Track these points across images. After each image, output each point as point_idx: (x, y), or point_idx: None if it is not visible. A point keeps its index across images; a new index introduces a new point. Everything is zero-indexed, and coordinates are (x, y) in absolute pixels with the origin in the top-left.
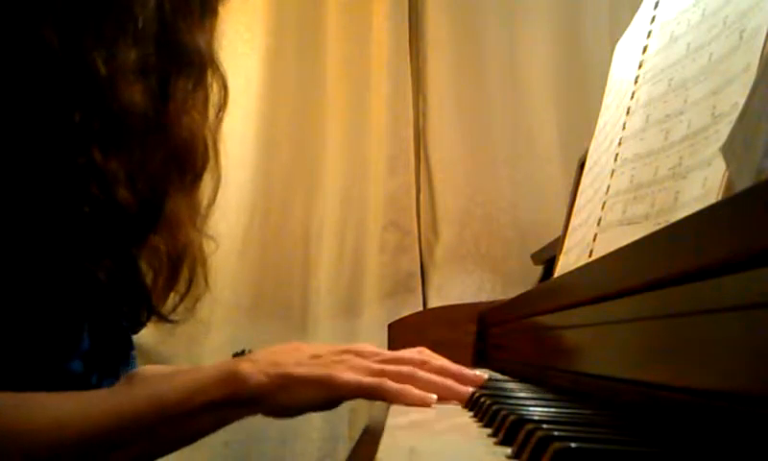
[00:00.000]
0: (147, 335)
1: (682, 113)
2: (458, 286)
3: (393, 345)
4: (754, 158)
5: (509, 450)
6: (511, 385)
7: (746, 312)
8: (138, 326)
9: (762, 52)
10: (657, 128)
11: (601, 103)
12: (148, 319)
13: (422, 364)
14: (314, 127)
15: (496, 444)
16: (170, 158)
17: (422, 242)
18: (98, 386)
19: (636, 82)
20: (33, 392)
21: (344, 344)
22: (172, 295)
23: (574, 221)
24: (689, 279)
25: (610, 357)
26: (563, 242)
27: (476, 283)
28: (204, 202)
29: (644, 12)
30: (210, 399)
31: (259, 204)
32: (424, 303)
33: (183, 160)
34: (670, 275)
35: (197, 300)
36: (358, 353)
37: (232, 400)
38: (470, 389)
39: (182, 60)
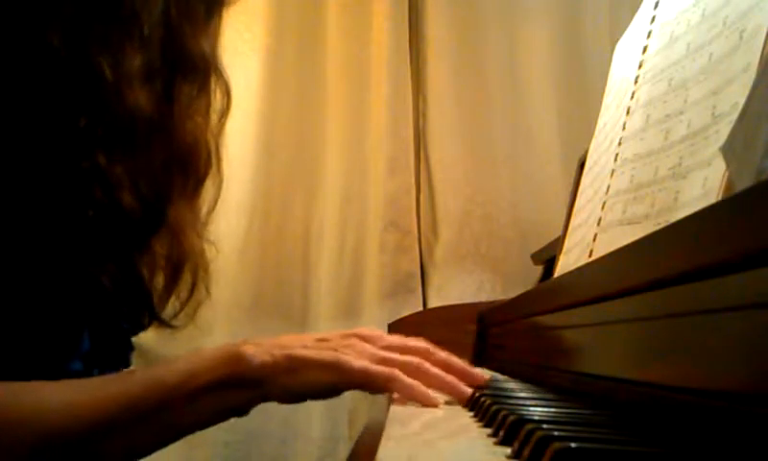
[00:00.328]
0: (147, 336)
1: (682, 113)
2: (458, 286)
3: None
4: (754, 158)
5: (509, 450)
6: (511, 385)
7: (746, 312)
8: (139, 328)
9: (762, 52)
10: (657, 128)
11: (601, 103)
12: (149, 323)
13: (428, 353)
14: (314, 127)
15: (496, 444)
16: (174, 163)
17: (422, 242)
18: None
19: (636, 82)
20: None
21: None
22: (173, 300)
23: (574, 221)
24: (689, 278)
25: (610, 357)
26: (563, 242)
27: (476, 283)
28: (206, 208)
29: (644, 11)
30: (211, 378)
31: (259, 204)
32: (424, 303)
33: (187, 165)
34: (670, 275)
35: (198, 306)
36: (364, 338)
37: (235, 381)
38: (470, 390)
39: (187, 66)
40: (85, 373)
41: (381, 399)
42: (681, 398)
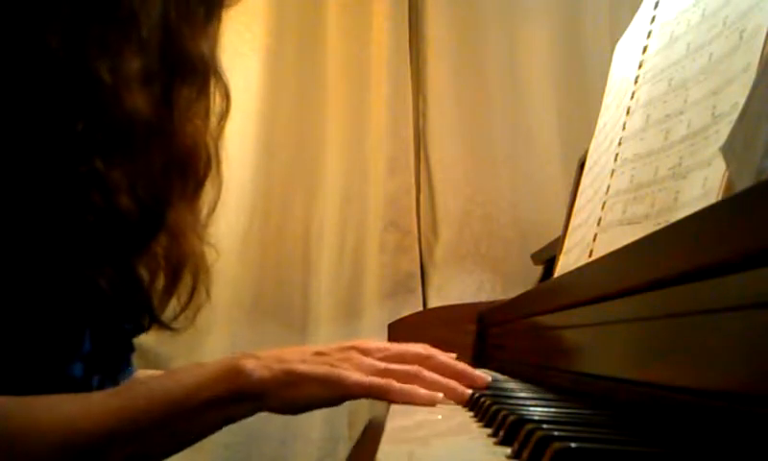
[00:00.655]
0: (147, 337)
1: (682, 113)
2: (458, 286)
3: None
4: (754, 158)
5: (509, 450)
6: (511, 385)
7: (746, 312)
8: (140, 330)
9: (762, 52)
10: (657, 128)
11: (601, 103)
12: (150, 325)
13: (428, 359)
14: (314, 127)
15: (496, 444)
16: (172, 166)
17: (422, 242)
18: (99, 388)
19: (636, 82)
20: (36, 395)
21: (346, 342)
22: (173, 303)
23: (574, 221)
24: (689, 278)
25: (610, 357)
26: (563, 242)
27: (476, 283)
28: (205, 210)
29: (644, 12)
30: (215, 394)
31: (259, 204)
32: (424, 304)
33: (186, 168)
34: (670, 275)
35: (198, 309)
36: (363, 351)
37: (236, 396)
38: (469, 391)
39: (186, 68)
40: (86, 376)
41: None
42: (681, 398)
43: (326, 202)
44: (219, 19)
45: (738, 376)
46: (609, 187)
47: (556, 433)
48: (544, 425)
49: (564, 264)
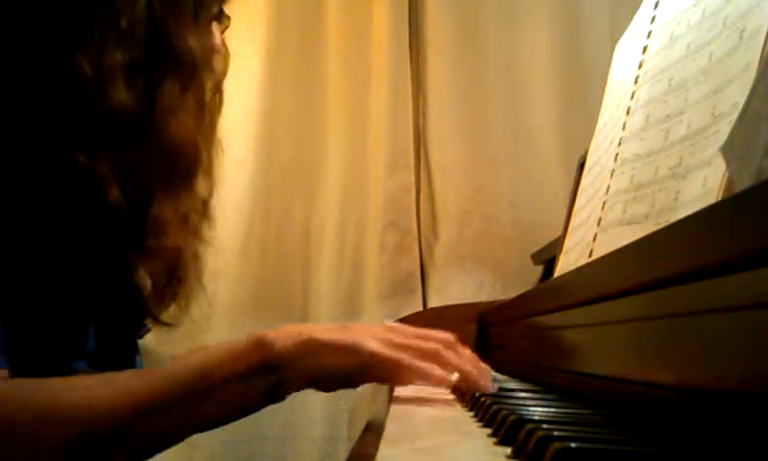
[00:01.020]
0: (147, 336)
1: (682, 113)
2: (458, 286)
3: None
4: (754, 158)
5: (509, 450)
6: (511, 385)
7: (746, 312)
8: (141, 329)
9: (762, 52)
10: (657, 128)
11: (601, 103)
12: (145, 320)
13: (450, 344)
14: (314, 127)
15: (496, 444)
16: (159, 160)
17: (422, 242)
18: None
19: (636, 82)
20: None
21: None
22: (167, 298)
23: (574, 221)
24: (689, 278)
25: (610, 357)
26: (563, 242)
27: (476, 283)
28: (200, 204)
29: (644, 12)
30: (238, 368)
31: (259, 204)
32: (424, 303)
33: (171, 163)
34: (670, 275)
35: (189, 300)
36: (387, 329)
37: (260, 367)
38: (485, 383)
39: (171, 62)
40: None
41: (381, 399)
42: (681, 398)
43: (326, 202)
44: (212, 15)
45: (738, 376)
46: (609, 187)
47: (556, 433)
48: (544, 425)
49: (564, 264)
